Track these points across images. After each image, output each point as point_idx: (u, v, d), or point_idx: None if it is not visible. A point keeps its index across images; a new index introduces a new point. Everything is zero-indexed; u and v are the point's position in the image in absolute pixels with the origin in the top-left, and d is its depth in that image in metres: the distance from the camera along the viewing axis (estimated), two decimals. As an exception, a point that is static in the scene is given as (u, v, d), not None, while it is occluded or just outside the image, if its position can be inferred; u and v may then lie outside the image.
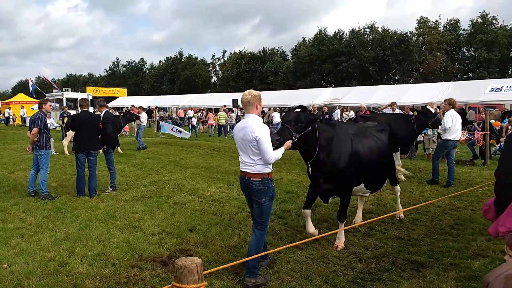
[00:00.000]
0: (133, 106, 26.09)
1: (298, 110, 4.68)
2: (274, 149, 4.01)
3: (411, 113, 11.71)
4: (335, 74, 45.09)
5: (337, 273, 4.29)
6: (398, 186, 6.38)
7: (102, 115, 8.51)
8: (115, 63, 74.24)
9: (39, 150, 7.80)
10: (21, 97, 43.36)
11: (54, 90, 36.91)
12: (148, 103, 43.51)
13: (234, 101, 26.52)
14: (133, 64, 72.15)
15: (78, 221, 6.22)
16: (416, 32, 43.42)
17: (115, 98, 48.44)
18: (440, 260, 4.56)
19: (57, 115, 25.43)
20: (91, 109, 21.04)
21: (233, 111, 25.94)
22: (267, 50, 57.50)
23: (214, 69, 66.46)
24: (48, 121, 8.79)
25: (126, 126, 21.08)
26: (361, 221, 5.89)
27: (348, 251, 4.94)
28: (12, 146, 18.18)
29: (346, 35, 46.10)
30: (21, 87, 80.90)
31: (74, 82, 74.97)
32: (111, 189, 8.37)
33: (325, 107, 18.35)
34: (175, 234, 5.59)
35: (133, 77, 68.66)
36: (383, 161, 5.44)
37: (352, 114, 21.98)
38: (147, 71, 70.11)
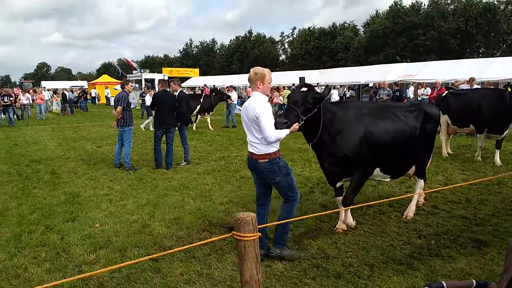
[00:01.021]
0: (205, 85, 27.17)
1: (304, 89, 4.33)
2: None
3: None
4: (411, 48, 42.64)
5: (395, 247, 4.40)
6: (422, 182, 5.52)
7: (176, 94, 9.17)
8: (189, 44, 77.30)
9: (123, 127, 8.69)
10: (105, 78, 47.10)
11: (133, 72, 39.55)
12: (219, 82, 44.92)
13: (302, 79, 26.41)
14: (205, 44, 74.43)
15: (157, 190, 6.94)
16: (504, 0, 39.17)
17: (188, 78, 50.62)
18: (504, 240, 4.44)
19: (137, 95, 27.42)
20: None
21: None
22: (338, 25, 55.78)
23: (282, 47, 66.24)
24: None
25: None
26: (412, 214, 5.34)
27: (408, 227, 4.98)
28: (99, 123, 20.12)
29: (424, 5, 43.09)
30: (104, 68, 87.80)
31: (151, 63, 79.37)
32: (185, 163, 9.09)
33: (394, 85, 17.52)
34: (241, 204, 6.04)
35: (205, 57, 70.95)
36: (405, 145, 4.90)
37: (428, 91, 20.82)
38: (218, 51, 71.95)
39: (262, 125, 3.80)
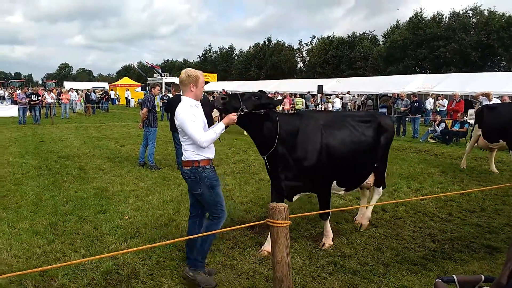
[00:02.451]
0: (223, 90, 27.60)
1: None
2: (219, 120, 3.71)
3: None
4: (431, 60, 42.41)
5: (409, 250, 4.60)
6: (381, 189, 5.40)
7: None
8: (207, 49, 78.37)
9: (148, 127, 9.08)
10: (125, 80, 48.22)
11: (154, 75, 40.37)
12: (236, 88, 45.42)
13: (320, 87, 26.64)
14: (223, 50, 75.35)
15: (179, 188, 7.26)
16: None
17: (206, 83, 51.27)
18: (517, 247, 4.59)
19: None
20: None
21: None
22: (357, 34, 55.89)
23: (300, 55, 66.59)
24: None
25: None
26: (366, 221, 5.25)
27: (423, 232, 5.17)
28: (120, 123, 20.71)
29: (445, 18, 42.88)
30: (125, 71, 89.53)
31: (170, 67, 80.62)
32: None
33: (413, 96, 17.60)
34: (260, 204, 6.31)
35: (223, 63, 71.78)
36: (361, 156, 4.69)
37: (445, 102, 20.80)
38: (236, 57, 72.74)
39: (189, 133, 3.54)
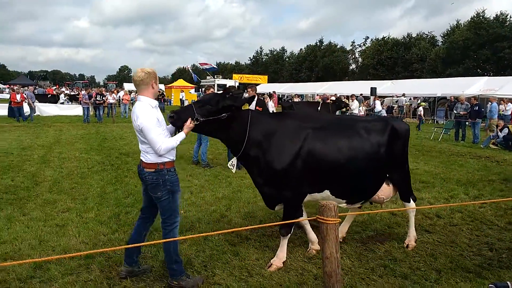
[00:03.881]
0: (274, 92, 27.84)
1: (221, 92, 4.02)
2: (178, 131, 3.63)
3: None
4: (494, 62, 39.83)
5: (464, 257, 4.46)
6: (412, 203, 4.76)
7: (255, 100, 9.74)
8: (259, 51, 79.23)
9: (202, 127, 9.44)
10: (180, 82, 49.97)
11: (207, 77, 41.56)
12: (285, 90, 45.59)
13: (373, 89, 26.03)
14: (274, 52, 75.79)
15: (231, 186, 7.51)
16: None
17: (256, 85, 51.87)
18: None
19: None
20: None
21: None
22: (414, 35, 53.85)
23: (353, 56, 65.32)
24: None
25: None
26: (342, 237, 4.83)
27: (480, 240, 4.98)
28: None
29: (510, 17, 40.14)
30: (179, 73, 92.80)
31: (222, 70, 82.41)
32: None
33: (473, 99, 16.69)
34: (309, 206, 6.35)
35: (274, 65, 72.19)
36: (363, 165, 4.18)
37: (510, 106, 19.51)
38: (287, 59, 72.85)
39: (149, 138, 3.43)
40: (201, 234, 4.48)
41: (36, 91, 33.33)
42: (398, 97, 28.42)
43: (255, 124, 3.96)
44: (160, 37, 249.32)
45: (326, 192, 4.20)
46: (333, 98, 19.62)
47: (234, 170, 4.28)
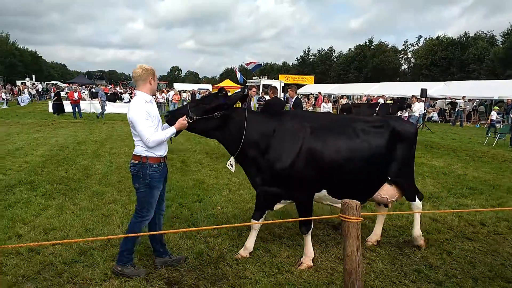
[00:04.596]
0: (319, 93, 27.59)
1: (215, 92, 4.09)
2: (171, 124, 3.72)
3: None
4: (561, 62, 36.85)
5: (505, 266, 4.25)
6: (418, 202, 4.72)
7: (293, 100, 9.78)
8: (306, 52, 78.64)
9: (243, 126, 9.62)
10: (227, 82, 50.94)
11: (253, 77, 41.95)
12: (332, 90, 44.91)
13: (423, 91, 24.96)
14: (322, 52, 74.88)
15: (269, 185, 7.60)
16: None
17: (303, 85, 51.64)
18: None
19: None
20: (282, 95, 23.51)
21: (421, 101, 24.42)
22: (471, 35, 51.00)
23: (405, 56, 63.04)
24: None
25: None
26: (376, 240, 4.83)
27: (527, 251, 4.70)
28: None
29: None
30: (227, 73, 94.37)
31: (269, 70, 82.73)
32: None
33: (509, 100, 15.54)
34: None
35: (321, 65, 71.35)
36: (362, 166, 4.16)
37: None
38: (335, 59, 71.70)
39: (137, 130, 3.60)
40: (233, 225, 4.60)
41: (93, 89, 35.45)
42: (451, 99, 27.05)
43: (252, 123, 4.02)
44: (211, 38, 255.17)
45: (324, 192, 4.22)
46: (381, 100, 18.93)
47: (233, 170, 4.36)
